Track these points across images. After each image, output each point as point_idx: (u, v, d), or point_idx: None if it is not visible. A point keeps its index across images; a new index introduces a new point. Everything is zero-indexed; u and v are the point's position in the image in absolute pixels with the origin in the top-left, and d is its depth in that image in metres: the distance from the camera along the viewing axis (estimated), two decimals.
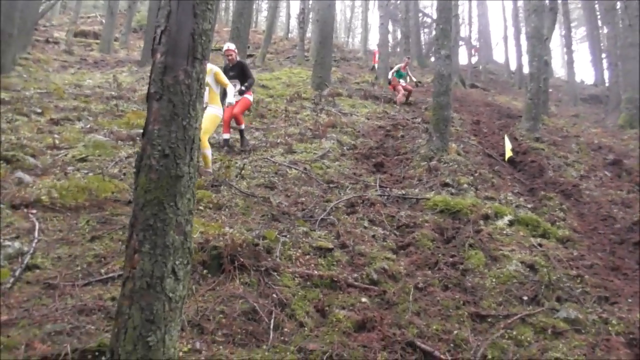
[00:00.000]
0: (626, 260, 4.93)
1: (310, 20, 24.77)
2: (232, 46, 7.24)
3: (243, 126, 7.32)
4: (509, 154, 8.09)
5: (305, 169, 6.36)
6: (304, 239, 4.20)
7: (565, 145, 9.90)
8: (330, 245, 4.15)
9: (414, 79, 13.83)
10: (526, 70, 13.69)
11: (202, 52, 2.33)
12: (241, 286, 3.33)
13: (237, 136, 7.56)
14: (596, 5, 25.07)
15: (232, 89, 6.27)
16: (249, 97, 7.33)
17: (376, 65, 18.60)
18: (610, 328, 3.42)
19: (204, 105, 5.27)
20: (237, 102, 6.87)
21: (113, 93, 10.19)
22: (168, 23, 2.29)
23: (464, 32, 30.98)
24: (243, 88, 7.05)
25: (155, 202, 2.14)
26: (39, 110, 7.95)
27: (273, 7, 22.71)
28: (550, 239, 5.03)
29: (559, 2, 19.82)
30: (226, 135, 7.13)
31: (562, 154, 9.05)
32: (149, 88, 2.28)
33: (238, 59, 7.25)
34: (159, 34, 2.30)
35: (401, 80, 12.93)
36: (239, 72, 7.11)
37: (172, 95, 2.22)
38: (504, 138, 8.81)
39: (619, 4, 16.00)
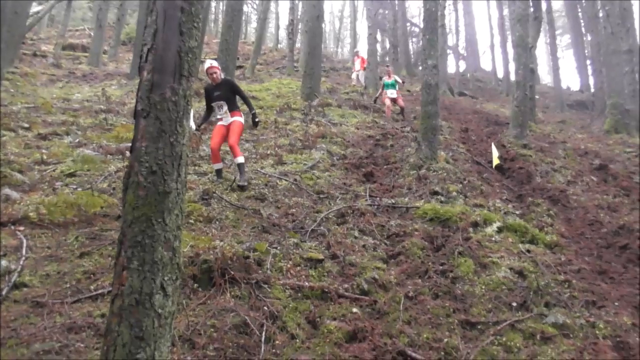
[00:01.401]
0: (613, 264, 5.01)
1: (299, 31, 24.99)
2: (215, 63, 6.25)
3: (241, 159, 6.05)
4: (496, 161, 8.19)
5: (295, 180, 6.39)
6: (294, 251, 4.22)
7: (553, 151, 10.04)
8: (321, 256, 4.17)
9: (400, 80, 13.26)
10: (513, 77, 13.89)
11: (189, 70, 2.37)
12: (232, 299, 3.34)
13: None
14: (580, 14, 25.62)
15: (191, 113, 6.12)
16: (240, 119, 6.21)
17: (358, 74, 18.23)
18: (597, 332, 3.47)
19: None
20: (229, 129, 6.11)
21: (102, 107, 10.17)
22: (154, 41, 2.33)
23: (451, 41, 31.39)
24: (255, 112, 6.17)
25: (144, 219, 2.16)
26: (27, 125, 7.92)
27: (262, 19, 22.87)
28: (539, 245, 5.09)
29: (544, 10, 20.21)
30: (218, 165, 6.17)
31: (550, 160, 9.18)
32: (136, 105, 2.31)
33: (223, 76, 6.37)
34: (146, 52, 2.34)
35: (389, 91, 12.56)
36: (226, 92, 6.14)
37: (159, 112, 2.25)
38: (491, 145, 8.92)
39: (601, 13, 16.33)
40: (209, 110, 6.34)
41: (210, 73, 6.15)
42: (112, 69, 18.65)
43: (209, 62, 6.26)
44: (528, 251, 4.80)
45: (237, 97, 6.30)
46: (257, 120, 6.26)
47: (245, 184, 5.92)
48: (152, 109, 2.26)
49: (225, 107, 6.15)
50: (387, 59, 25.56)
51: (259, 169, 6.73)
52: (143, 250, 2.13)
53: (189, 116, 2.40)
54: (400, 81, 13.23)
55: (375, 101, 13.13)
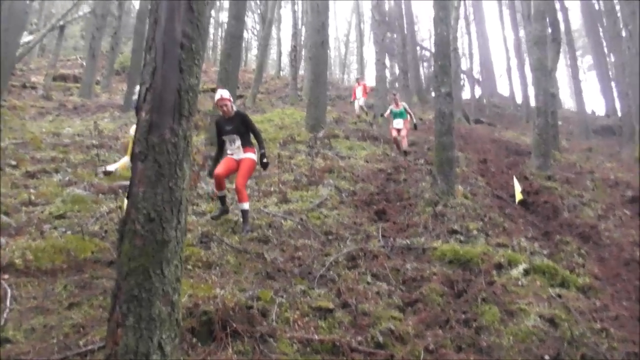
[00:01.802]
0: None
1: (303, 57, 25.54)
2: (226, 94, 6.04)
3: (246, 205, 5.90)
4: (519, 197, 8.14)
5: (301, 219, 6.38)
6: (302, 299, 4.17)
7: (580, 183, 10.01)
8: (331, 305, 4.11)
9: (414, 120, 12.63)
10: (533, 102, 13.98)
11: (189, 109, 2.43)
12: (234, 355, 3.27)
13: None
14: (601, 33, 26.05)
15: None
16: (252, 156, 6.10)
17: (358, 101, 17.89)
18: None
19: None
20: (239, 166, 5.99)
21: (94, 141, 10.35)
22: (153, 80, 2.40)
23: (465, 64, 31.91)
24: (264, 151, 6.06)
25: (140, 271, 2.16)
26: (14, 163, 8.07)
27: (263, 46, 23.47)
28: (570, 289, 5.00)
29: (562, 31, 20.57)
30: (221, 192, 6.01)
31: (577, 192, 9.15)
32: (134, 148, 2.35)
33: (235, 109, 6.14)
34: (144, 91, 2.40)
35: (395, 121, 12.09)
36: (238, 126, 5.99)
37: (157, 155, 2.29)
38: (513, 178, 8.91)
39: (624, 32, 16.61)
40: (220, 147, 6.23)
41: (220, 105, 5.99)
42: (105, 101, 19.06)
43: (219, 93, 6.07)
44: (559, 296, 4.71)
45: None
46: (265, 161, 6.07)
47: (249, 234, 5.74)
48: (150, 151, 2.30)
49: (238, 142, 6.03)
50: (397, 85, 25.96)
51: (262, 208, 6.75)
52: (139, 306, 2.13)
53: (189, 159, 2.43)
54: (409, 111, 12.50)
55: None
